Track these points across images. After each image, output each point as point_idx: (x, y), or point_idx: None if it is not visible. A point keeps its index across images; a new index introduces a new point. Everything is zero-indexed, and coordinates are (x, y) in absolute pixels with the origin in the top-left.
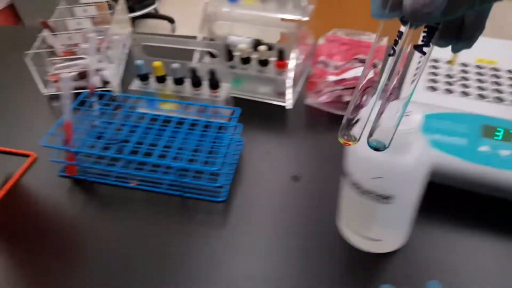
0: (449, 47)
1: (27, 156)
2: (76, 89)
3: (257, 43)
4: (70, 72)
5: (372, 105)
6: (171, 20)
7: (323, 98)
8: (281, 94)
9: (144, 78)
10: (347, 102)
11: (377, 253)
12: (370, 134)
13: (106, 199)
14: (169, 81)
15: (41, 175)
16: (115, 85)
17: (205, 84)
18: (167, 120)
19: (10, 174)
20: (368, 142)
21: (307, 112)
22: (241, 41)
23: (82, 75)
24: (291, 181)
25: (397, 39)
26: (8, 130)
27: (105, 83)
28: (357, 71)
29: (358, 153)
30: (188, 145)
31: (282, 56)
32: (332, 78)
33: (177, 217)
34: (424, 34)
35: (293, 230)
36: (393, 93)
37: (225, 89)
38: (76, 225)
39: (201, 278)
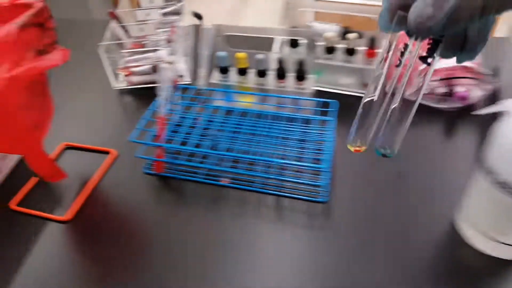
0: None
1: (106, 153)
2: (149, 83)
3: (345, 31)
4: (142, 65)
5: (378, 112)
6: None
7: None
8: (367, 85)
9: (224, 70)
10: (442, 94)
11: (507, 260)
12: (378, 141)
13: (195, 197)
14: (251, 74)
15: (124, 173)
16: (188, 78)
17: (290, 76)
18: (256, 115)
19: (92, 172)
20: (375, 149)
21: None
22: (327, 29)
23: (155, 69)
24: (395, 179)
25: (403, 51)
26: (82, 126)
27: (179, 76)
28: (447, 60)
29: (508, 147)
30: (281, 140)
31: (373, 45)
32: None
33: (272, 218)
34: (429, 46)
35: (402, 232)
36: (401, 101)
37: (311, 81)
38: (162, 224)
39: (305, 285)
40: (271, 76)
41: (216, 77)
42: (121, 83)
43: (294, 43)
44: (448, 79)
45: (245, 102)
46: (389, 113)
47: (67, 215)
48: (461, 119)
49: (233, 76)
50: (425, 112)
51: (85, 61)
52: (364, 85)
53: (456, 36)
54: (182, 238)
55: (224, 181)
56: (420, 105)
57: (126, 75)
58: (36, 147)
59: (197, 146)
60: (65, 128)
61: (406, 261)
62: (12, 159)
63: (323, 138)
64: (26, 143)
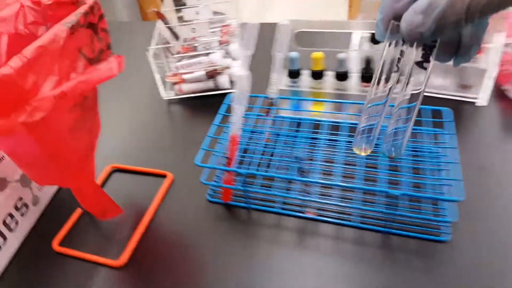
0: None
1: (161, 176)
2: (202, 91)
3: None
4: (194, 71)
5: (382, 114)
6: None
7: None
8: (466, 87)
9: (295, 74)
10: None
11: None
12: (386, 143)
13: (272, 232)
14: (328, 77)
15: (184, 201)
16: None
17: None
18: (335, 127)
19: (146, 200)
20: (382, 152)
21: (504, 109)
22: None
23: (210, 75)
24: None
25: (399, 57)
26: (129, 143)
27: (233, 82)
28: None
29: None
30: (386, 162)
31: None
32: None
33: (376, 261)
34: (423, 51)
35: None
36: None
37: (411, 84)
38: (232, 266)
39: None
40: (354, 79)
41: (285, 82)
42: (170, 92)
43: (374, 39)
44: None
45: (317, 111)
46: (395, 114)
47: (121, 258)
48: None
49: (305, 80)
50: None
51: (128, 68)
52: (463, 87)
53: (450, 41)
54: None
55: (310, 213)
56: None
57: (176, 83)
58: (88, 178)
59: (277, 168)
60: (110, 147)
61: None
62: (51, 188)
63: (437, 156)
64: (77, 173)
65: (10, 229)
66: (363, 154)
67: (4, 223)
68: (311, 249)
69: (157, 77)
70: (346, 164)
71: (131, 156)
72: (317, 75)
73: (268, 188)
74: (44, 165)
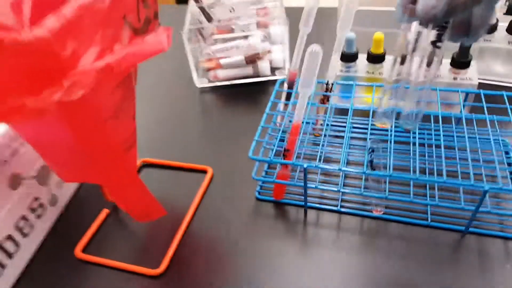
0: None
1: (199, 172)
2: (240, 78)
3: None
4: (231, 56)
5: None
6: None
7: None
8: None
9: (351, 58)
10: None
11: None
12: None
13: (332, 234)
14: (388, 61)
15: (227, 199)
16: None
17: (445, 63)
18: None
19: (183, 198)
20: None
21: None
22: None
23: (250, 60)
24: None
25: (416, 37)
26: (160, 135)
27: (274, 69)
28: None
29: None
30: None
31: None
32: None
33: (458, 265)
34: (438, 32)
35: None
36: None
37: (475, 69)
38: (283, 271)
39: None
40: (415, 64)
41: (339, 67)
42: (204, 80)
43: None
44: None
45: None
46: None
47: (161, 266)
48: None
49: (361, 65)
50: None
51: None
52: None
53: (461, 22)
54: None
55: (377, 211)
56: None
57: (211, 69)
58: (130, 174)
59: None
60: (140, 138)
61: None
62: (71, 186)
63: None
64: (118, 168)
65: (24, 234)
66: (384, 126)
67: (17, 227)
68: (380, 252)
69: (191, 62)
70: (421, 156)
71: (162, 149)
72: (377, 58)
73: (332, 185)
74: (78, 157)
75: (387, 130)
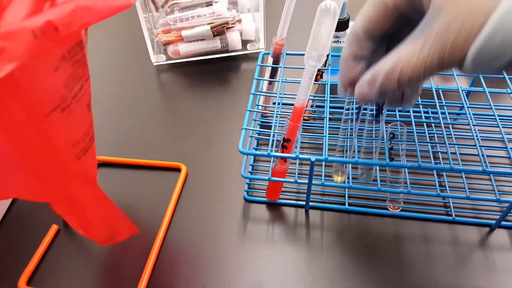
0: None
1: (171, 170)
2: (205, 54)
3: None
4: (194, 26)
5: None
6: None
7: None
8: None
9: (341, 25)
10: None
11: None
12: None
13: (340, 236)
14: None
15: (209, 202)
16: (261, 45)
17: None
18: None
19: (154, 204)
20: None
21: None
22: None
23: (218, 31)
24: None
25: (358, 110)
26: (116, 126)
27: (244, 43)
28: None
29: None
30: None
31: None
32: None
33: (489, 265)
34: (376, 107)
35: None
36: None
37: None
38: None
39: None
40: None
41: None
42: (161, 57)
43: None
44: None
45: None
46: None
47: None
48: None
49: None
50: None
51: (104, 25)
52: None
53: (394, 98)
54: None
55: (393, 209)
56: None
57: (169, 43)
58: (87, 184)
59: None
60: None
61: None
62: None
63: None
64: (70, 177)
65: None
66: (339, 179)
67: None
68: (403, 255)
69: (146, 35)
70: (431, 139)
71: (118, 144)
72: None
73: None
74: (9, 166)
75: (395, 111)
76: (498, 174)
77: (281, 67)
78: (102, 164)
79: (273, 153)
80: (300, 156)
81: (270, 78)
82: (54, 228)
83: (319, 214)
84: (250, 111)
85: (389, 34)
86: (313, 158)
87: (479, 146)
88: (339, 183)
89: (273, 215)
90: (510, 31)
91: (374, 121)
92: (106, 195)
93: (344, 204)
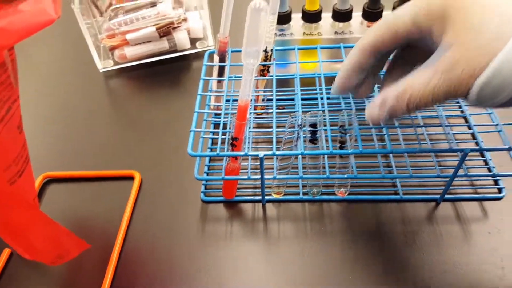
0: None
1: (125, 179)
2: (153, 55)
3: None
4: (139, 28)
5: None
6: None
7: None
8: None
9: (284, 18)
10: None
11: None
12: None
13: (298, 226)
14: (325, 20)
15: (164, 209)
16: (209, 41)
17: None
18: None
19: (108, 216)
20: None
21: None
22: None
23: (164, 31)
24: None
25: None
26: (63, 139)
27: (192, 41)
28: None
29: None
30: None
31: None
32: None
33: (438, 237)
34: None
35: None
36: None
37: None
38: (248, 276)
39: None
40: (357, 19)
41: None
42: (109, 62)
43: None
44: None
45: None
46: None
47: None
48: None
49: (297, 26)
50: None
51: (48, 31)
52: None
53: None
54: None
55: (342, 194)
56: None
57: (115, 47)
58: (26, 209)
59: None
60: (32, 147)
61: None
62: None
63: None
64: (4, 205)
65: None
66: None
67: None
68: (357, 236)
69: (89, 42)
70: (363, 124)
71: (69, 158)
72: (313, 17)
73: (286, 172)
74: None
75: (339, 98)
76: (435, 151)
77: (227, 65)
78: (52, 180)
79: (222, 152)
80: (249, 152)
81: (218, 76)
82: (6, 252)
83: (276, 207)
84: (197, 112)
85: (391, 53)
86: (261, 154)
87: (417, 126)
88: (278, 197)
89: (231, 213)
90: (509, 73)
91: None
92: (47, 216)
93: (299, 194)
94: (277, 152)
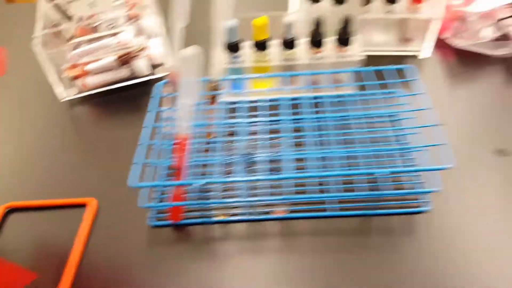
0: None
1: (80, 206)
2: (114, 83)
3: None
4: (99, 58)
5: None
6: None
7: (475, 39)
8: (408, 40)
9: (235, 48)
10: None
11: None
12: None
13: (240, 244)
14: (274, 47)
15: (118, 233)
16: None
17: (329, 41)
18: (290, 106)
19: (64, 243)
20: None
21: (447, 58)
22: None
23: (123, 60)
24: (495, 157)
25: None
26: (24, 169)
27: (154, 67)
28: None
29: None
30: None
31: None
32: (472, 10)
33: (360, 248)
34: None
35: None
36: None
37: (359, 45)
38: None
39: None
40: (302, 46)
41: (224, 59)
42: (71, 91)
43: None
44: (501, 20)
45: (268, 90)
46: None
47: None
48: None
49: (247, 54)
50: (480, 62)
51: (9, 63)
52: (405, 40)
53: None
54: None
55: (279, 213)
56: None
57: (77, 77)
58: None
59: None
60: (1, 178)
61: None
62: None
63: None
64: None
65: None
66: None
67: None
68: (294, 252)
69: (51, 72)
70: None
71: (30, 186)
72: (261, 45)
73: (229, 195)
74: None
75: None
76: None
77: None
78: (14, 210)
79: (159, 182)
80: (186, 181)
81: (172, 104)
82: None
83: (224, 227)
84: (142, 144)
85: None
86: (196, 183)
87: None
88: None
89: (180, 235)
90: None
91: None
92: None
93: (245, 215)
94: (217, 180)
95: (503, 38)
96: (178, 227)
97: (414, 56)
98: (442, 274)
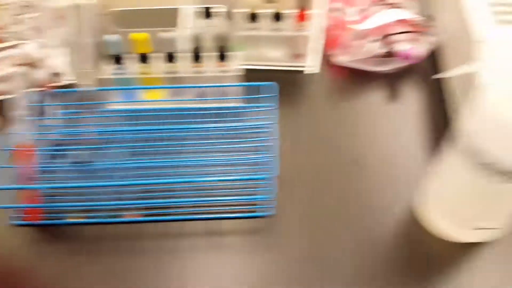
0: None
1: None
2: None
3: None
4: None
5: None
6: None
7: (359, 55)
8: (299, 56)
9: (118, 60)
10: (382, 55)
11: (465, 243)
12: None
13: (95, 244)
14: (156, 60)
15: None
16: (70, 77)
17: (208, 56)
18: (160, 116)
19: None
20: None
21: (334, 75)
22: None
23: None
24: (351, 166)
25: None
26: None
27: (55, 76)
28: (384, 17)
29: (490, 116)
30: (208, 147)
31: (304, 5)
32: (361, 27)
33: (207, 250)
34: None
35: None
36: None
37: (236, 59)
38: None
39: None
40: (184, 59)
41: (109, 70)
42: None
43: (208, 13)
44: (388, 36)
45: (153, 100)
46: None
47: None
48: (405, 80)
49: (132, 66)
50: (365, 78)
51: None
52: (295, 56)
53: None
54: None
55: (130, 216)
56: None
57: None
58: None
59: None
60: None
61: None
62: None
63: (260, 134)
64: None
65: None
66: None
67: None
68: (135, 253)
69: None
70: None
71: None
72: (143, 58)
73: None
74: None
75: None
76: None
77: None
78: None
79: (9, 186)
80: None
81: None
82: None
83: (78, 228)
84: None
85: None
86: (39, 187)
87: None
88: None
89: (41, 234)
90: None
91: None
92: None
93: (98, 218)
94: (60, 185)
95: (389, 55)
96: (39, 227)
97: (302, 72)
98: (288, 265)
